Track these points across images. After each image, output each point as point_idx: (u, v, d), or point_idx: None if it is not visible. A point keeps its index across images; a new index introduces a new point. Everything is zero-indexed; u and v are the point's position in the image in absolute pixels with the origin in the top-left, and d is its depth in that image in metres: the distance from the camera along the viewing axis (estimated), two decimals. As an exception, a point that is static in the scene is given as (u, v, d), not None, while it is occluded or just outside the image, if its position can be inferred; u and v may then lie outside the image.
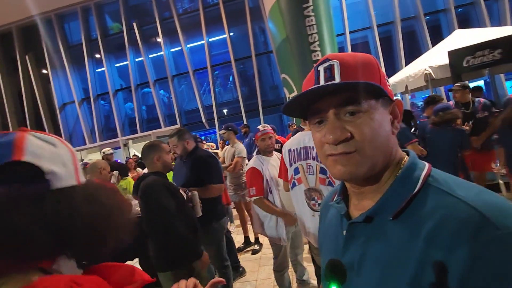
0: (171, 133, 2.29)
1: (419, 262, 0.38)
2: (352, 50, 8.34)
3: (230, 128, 3.75)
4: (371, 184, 0.47)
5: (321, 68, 0.47)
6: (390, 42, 8.85)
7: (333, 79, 0.45)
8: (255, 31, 9.45)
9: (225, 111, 9.82)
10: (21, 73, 10.07)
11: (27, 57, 10.05)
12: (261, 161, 2.25)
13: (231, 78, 9.98)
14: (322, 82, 0.46)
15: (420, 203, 0.43)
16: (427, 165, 0.47)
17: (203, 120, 9.36)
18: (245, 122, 8.81)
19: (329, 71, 0.46)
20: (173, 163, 2.29)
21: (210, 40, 9.61)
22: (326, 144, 0.46)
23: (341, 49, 8.17)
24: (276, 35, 5.04)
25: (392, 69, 8.20)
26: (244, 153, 3.69)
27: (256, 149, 2.52)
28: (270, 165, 2.36)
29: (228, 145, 3.90)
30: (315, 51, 4.57)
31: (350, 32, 8.69)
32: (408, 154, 0.50)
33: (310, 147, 1.76)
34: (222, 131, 3.75)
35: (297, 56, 4.69)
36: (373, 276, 0.43)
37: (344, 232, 0.50)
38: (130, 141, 9.41)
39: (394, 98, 0.50)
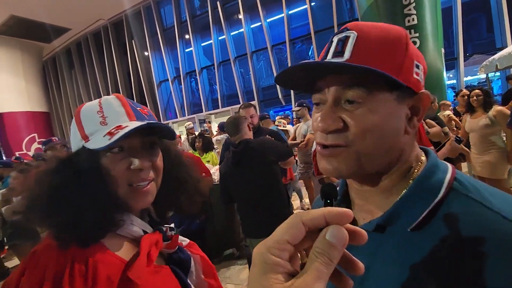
0: (245, 104, 2.39)
1: (449, 280, 0.32)
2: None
3: (304, 105, 3.64)
4: (373, 183, 0.41)
5: (335, 39, 0.40)
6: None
7: (342, 55, 0.37)
8: (339, -2, 8.64)
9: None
10: (129, 55, 11.87)
11: (133, 41, 11.73)
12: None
13: (310, 52, 9.53)
14: (329, 57, 0.39)
15: (448, 214, 0.35)
16: (450, 167, 0.40)
17: (280, 96, 9.35)
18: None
19: (342, 44, 0.38)
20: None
21: (290, 12, 9.26)
22: (317, 131, 0.40)
23: (448, 9, 6.75)
24: (362, 0, 4.46)
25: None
26: (317, 130, 3.53)
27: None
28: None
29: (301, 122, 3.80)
30: (410, 14, 3.90)
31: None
32: (426, 154, 0.42)
33: None
34: (296, 108, 3.67)
35: (386, 22, 4.09)
36: (387, 286, 0.37)
37: None
38: (212, 116, 10.20)
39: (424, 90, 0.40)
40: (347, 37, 0.38)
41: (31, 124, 11.90)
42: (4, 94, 11.32)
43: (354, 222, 0.45)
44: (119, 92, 12.39)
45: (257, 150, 1.74)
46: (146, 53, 11.78)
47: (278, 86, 9.26)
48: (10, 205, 2.80)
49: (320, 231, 0.23)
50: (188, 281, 0.61)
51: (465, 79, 7.16)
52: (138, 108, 0.58)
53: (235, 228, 2.80)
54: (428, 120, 2.11)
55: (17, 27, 10.78)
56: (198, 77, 10.70)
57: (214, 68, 10.43)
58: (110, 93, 10.36)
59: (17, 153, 9.68)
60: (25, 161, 4.11)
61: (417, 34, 3.94)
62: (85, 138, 0.54)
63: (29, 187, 0.52)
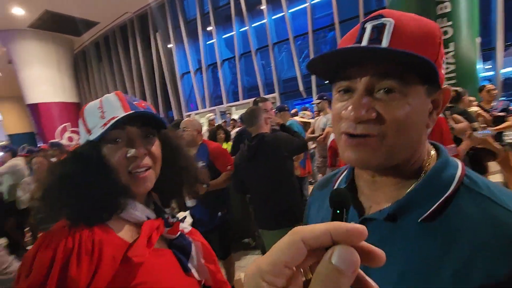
0: (259, 98, 2.38)
1: (453, 277, 0.33)
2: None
3: (325, 98, 3.57)
4: (387, 175, 0.41)
5: (368, 26, 0.38)
6: None
7: (379, 42, 0.36)
8: (366, -14, 8.24)
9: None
10: (153, 48, 12.15)
11: (157, 34, 11.97)
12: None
13: (334, 43, 9.24)
14: (364, 43, 0.38)
15: (458, 207, 0.37)
16: (460, 164, 0.41)
17: (301, 88, 9.19)
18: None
19: (377, 31, 0.37)
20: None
21: (313, 2, 8.99)
22: (345, 119, 0.39)
23: (486, -5, 6.24)
24: (390, -13, 4.23)
25: None
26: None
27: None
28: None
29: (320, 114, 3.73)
30: (443, 1, 3.66)
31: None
32: (436, 149, 0.43)
33: None
34: (316, 100, 3.60)
35: (416, 10, 3.86)
36: (393, 275, 0.38)
37: None
38: (233, 108, 10.25)
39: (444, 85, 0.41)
40: (383, 25, 0.37)
41: (63, 114, 12.62)
42: (39, 85, 12.06)
43: (361, 210, 0.45)
44: (143, 84, 12.76)
45: (271, 145, 1.75)
46: (169, 46, 11.99)
47: (299, 79, 9.10)
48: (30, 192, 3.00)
49: (326, 249, 0.19)
50: (189, 265, 0.66)
51: (503, 70, 6.62)
52: (135, 102, 0.63)
53: (250, 218, 2.83)
54: (455, 115, 1.98)
55: (51, 22, 11.34)
56: (219, 69, 10.75)
57: (235, 60, 10.42)
58: (135, 84, 10.66)
59: (50, 142, 10.33)
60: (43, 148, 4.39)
61: (450, 23, 3.70)
62: (88, 132, 0.61)
63: (43, 176, 0.59)
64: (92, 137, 0.59)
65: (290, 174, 1.81)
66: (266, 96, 9.70)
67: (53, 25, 11.60)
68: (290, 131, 1.96)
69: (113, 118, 0.57)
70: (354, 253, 0.18)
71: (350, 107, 0.38)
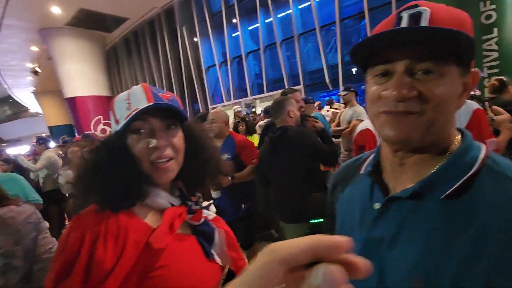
0: (288, 89, 2.34)
1: (473, 249, 0.35)
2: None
3: (352, 89, 3.44)
4: (416, 154, 0.44)
5: (405, 14, 0.41)
6: None
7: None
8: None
9: (354, 69, 8.96)
10: (180, 42, 12.39)
11: (183, 28, 12.17)
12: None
13: (363, 31, 8.85)
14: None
15: (480, 186, 0.39)
16: (483, 146, 0.43)
17: (327, 80, 8.95)
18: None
19: (415, 19, 0.39)
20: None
21: (342, -11, 8.63)
22: (384, 99, 0.41)
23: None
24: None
25: None
26: (364, 116, 3.35)
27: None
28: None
29: (346, 107, 3.62)
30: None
31: None
32: (461, 133, 0.46)
33: None
34: (342, 92, 3.49)
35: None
36: (413, 253, 0.40)
37: (377, 205, 0.46)
38: (257, 101, 10.24)
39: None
40: (419, 13, 0.39)
41: (97, 107, 13.34)
42: (75, 80, 12.82)
43: (386, 191, 0.47)
44: (170, 78, 13.09)
45: (294, 139, 1.70)
46: (195, 39, 12.16)
47: (325, 70, 8.86)
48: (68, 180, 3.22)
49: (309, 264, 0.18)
50: (212, 251, 0.68)
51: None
52: (160, 94, 0.65)
53: (274, 210, 2.84)
54: (494, 107, 1.83)
55: (85, 19, 11.93)
56: (244, 61, 10.74)
57: (260, 52, 10.35)
58: (163, 78, 10.98)
59: (83, 134, 11.00)
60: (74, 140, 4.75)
61: (493, 6, 3.41)
62: (117, 122, 0.64)
63: (77, 164, 0.63)
64: (119, 127, 0.62)
65: (313, 169, 1.74)
66: (292, 88, 9.58)
67: (87, 22, 12.21)
68: (326, 140, 1.86)
69: (136, 109, 0.59)
70: (339, 272, 0.17)
71: (390, 88, 0.40)
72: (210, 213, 0.74)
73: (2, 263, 1.46)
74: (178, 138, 0.65)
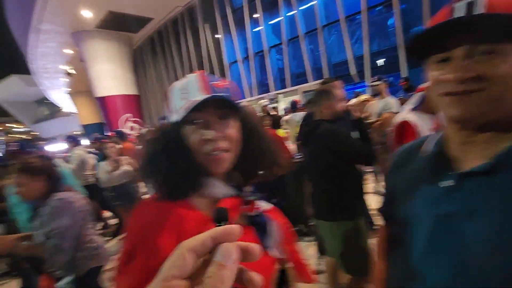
0: (327, 79, 2.21)
1: None
2: None
3: (384, 79, 3.29)
4: (484, 132, 0.45)
5: (460, 4, 0.42)
6: None
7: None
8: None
9: (381, 61, 8.62)
10: (202, 39, 12.54)
11: (205, 25, 12.30)
12: (419, 117, 1.87)
13: (391, 21, 8.45)
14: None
15: None
16: None
17: (352, 72, 8.66)
18: (403, 75, 7.47)
19: (469, 8, 0.41)
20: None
21: (368, -24, 8.28)
22: (445, 82, 0.44)
23: None
24: None
25: None
26: (397, 108, 3.20)
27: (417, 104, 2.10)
28: (429, 125, 1.95)
29: (376, 98, 3.47)
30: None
31: None
32: None
33: None
34: (375, 82, 3.34)
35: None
36: (492, 226, 0.42)
37: (446, 183, 0.48)
38: (280, 95, 10.16)
39: None
40: (471, 2, 0.41)
41: (125, 105, 13.92)
42: (105, 80, 13.44)
43: (452, 168, 0.49)
44: (194, 75, 13.30)
45: (321, 138, 1.61)
46: (217, 36, 12.25)
47: (351, 62, 8.59)
48: (115, 172, 3.40)
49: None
50: (267, 242, 0.66)
51: None
52: (215, 83, 0.63)
53: (303, 205, 2.81)
54: None
55: (113, 21, 12.43)
56: (266, 56, 10.68)
57: (282, 46, 10.22)
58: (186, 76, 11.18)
59: (115, 131, 11.53)
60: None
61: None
62: (172, 112, 0.63)
63: (139, 153, 0.65)
64: (174, 118, 0.62)
65: (345, 168, 1.61)
66: (316, 82, 9.39)
67: (115, 24, 12.71)
68: (364, 133, 1.66)
69: (192, 101, 0.59)
70: (230, 247, 0.21)
71: (451, 71, 0.43)
72: (264, 204, 0.72)
73: (54, 243, 1.56)
74: (233, 129, 0.63)
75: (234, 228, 0.23)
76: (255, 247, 0.23)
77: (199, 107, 0.58)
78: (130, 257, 0.54)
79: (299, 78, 10.40)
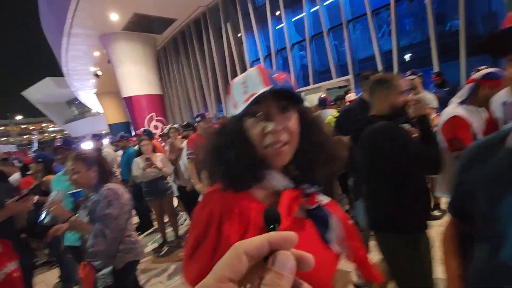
0: (370, 72, 2.11)
1: None
2: None
3: (419, 74, 3.14)
4: None
5: None
6: None
7: None
8: None
9: (407, 56, 8.25)
10: (224, 39, 12.63)
11: (227, 24, 12.37)
12: (468, 111, 1.74)
13: (422, 12, 8.04)
14: None
15: None
16: None
17: (379, 68, 8.36)
18: (436, 69, 7.09)
19: None
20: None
21: (397, -33, 7.93)
22: None
23: None
24: None
25: None
26: (434, 103, 3.04)
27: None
28: (479, 118, 1.80)
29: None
30: None
31: None
32: None
33: None
34: (410, 76, 3.19)
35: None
36: None
37: None
38: (303, 93, 10.01)
39: None
40: None
41: (150, 105, 14.32)
42: (131, 81, 13.90)
43: None
44: (216, 74, 13.45)
45: (376, 137, 1.37)
46: (239, 35, 12.29)
47: (378, 57, 8.28)
48: (150, 168, 3.52)
49: (264, 260, 0.21)
50: (328, 236, 0.66)
51: None
52: (275, 76, 0.64)
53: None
54: None
55: (138, 23, 12.80)
56: (289, 53, 10.56)
57: (305, 42, 10.06)
58: (208, 75, 11.29)
59: (141, 129, 11.90)
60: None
61: None
62: (234, 106, 0.65)
63: (203, 146, 0.68)
64: (236, 112, 0.63)
65: (403, 174, 1.36)
66: (340, 79, 9.16)
67: (140, 26, 13.09)
68: (427, 133, 1.37)
69: (253, 94, 0.59)
70: (290, 257, 0.21)
71: None
72: (324, 197, 0.70)
73: (98, 228, 1.61)
74: (293, 122, 0.64)
75: (292, 235, 0.22)
76: (309, 256, 0.23)
77: (260, 100, 0.59)
78: (197, 243, 0.57)
79: (323, 75, 10.18)
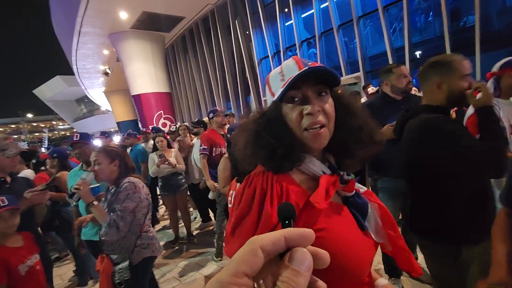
0: (394, 64, 2.06)
1: None
2: None
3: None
4: None
5: None
6: None
7: None
8: None
9: (418, 52, 8.09)
10: (233, 36, 12.61)
11: (236, 22, 12.34)
12: (496, 104, 1.67)
13: (436, 8, 7.88)
14: None
15: None
16: None
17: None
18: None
19: None
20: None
21: (409, -39, 7.78)
22: None
23: None
24: None
25: None
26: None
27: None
28: (509, 111, 1.74)
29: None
30: None
31: None
32: None
33: None
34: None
35: None
36: None
37: None
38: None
39: None
40: None
41: (158, 103, 14.39)
42: (140, 79, 13.98)
43: None
44: (224, 71, 13.44)
45: (422, 131, 1.18)
46: (247, 32, 12.24)
47: (389, 54, 8.15)
48: (164, 164, 3.56)
49: (279, 256, 0.21)
50: (366, 224, 0.66)
51: None
52: (310, 63, 0.65)
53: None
54: None
55: (147, 21, 12.86)
56: (298, 50, 10.48)
57: (315, 39, 9.96)
58: (217, 72, 11.29)
59: (150, 127, 11.98)
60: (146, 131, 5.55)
61: None
62: (273, 95, 0.68)
63: (242, 133, 0.70)
64: (275, 98, 0.65)
65: (454, 176, 1.15)
66: (350, 76, 9.05)
67: (148, 24, 13.15)
68: (489, 129, 1.12)
69: (290, 78, 0.61)
70: (308, 254, 0.21)
71: None
72: (362, 186, 0.72)
73: (113, 218, 1.61)
74: (329, 105, 0.65)
75: (309, 232, 0.22)
76: (325, 253, 0.22)
77: (298, 84, 0.61)
78: (240, 220, 0.59)
79: (333, 72, 10.06)
